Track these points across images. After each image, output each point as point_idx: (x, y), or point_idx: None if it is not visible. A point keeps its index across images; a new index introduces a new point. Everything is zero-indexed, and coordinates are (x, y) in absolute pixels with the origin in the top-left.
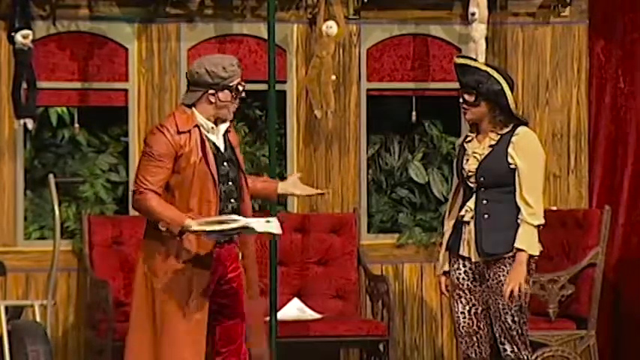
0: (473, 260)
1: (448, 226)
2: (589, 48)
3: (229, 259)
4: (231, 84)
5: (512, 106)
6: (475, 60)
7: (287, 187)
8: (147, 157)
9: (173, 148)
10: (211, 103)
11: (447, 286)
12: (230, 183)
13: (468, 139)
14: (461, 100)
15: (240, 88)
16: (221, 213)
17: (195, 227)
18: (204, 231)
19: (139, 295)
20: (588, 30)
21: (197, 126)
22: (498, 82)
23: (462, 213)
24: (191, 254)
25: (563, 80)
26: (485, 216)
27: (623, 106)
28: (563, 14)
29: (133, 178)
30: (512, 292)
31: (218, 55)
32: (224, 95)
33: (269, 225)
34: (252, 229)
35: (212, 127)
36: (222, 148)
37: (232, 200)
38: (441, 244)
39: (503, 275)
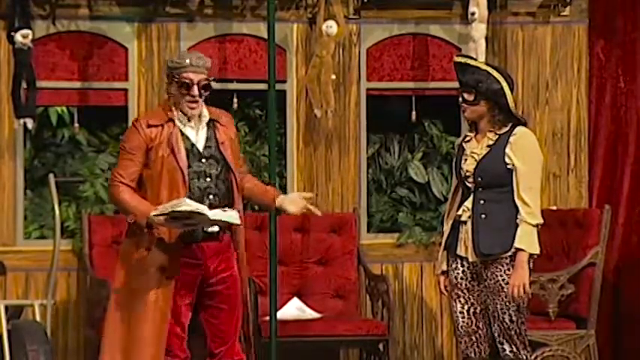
0: (470, 260)
1: (447, 225)
2: (589, 47)
3: (216, 260)
4: (176, 75)
5: (511, 105)
6: (475, 59)
7: (284, 202)
8: (121, 151)
9: (144, 142)
10: (169, 93)
11: (445, 286)
12: (208, 179)
13: (467, 138)
14: (460, 99)
15: (185, 81)
16: None
17: (153, 213)
18: (164, 216)
19: (117, 288)
20: (588, 29)
21: (172, 120)
22: (498, 82)
23: (459, 213)
24: (164, 244)
25: (563, 80)
26: (483, 216)
27: (623, 105)
28: (563, 14)
29: None
30: (517, 292)
31: (189, 50)
32: (173, 87)
33: (225, 214)
34: (206, 215)
35: (189, 120)
36: (199, 144)
37: (210, 197)
38: (440, 243)
39: (501, 275)
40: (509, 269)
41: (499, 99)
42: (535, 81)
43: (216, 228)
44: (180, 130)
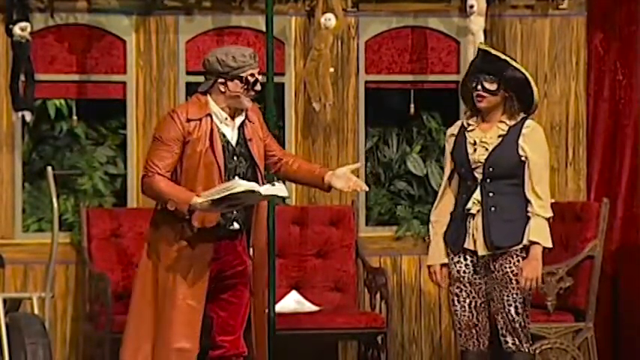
0: (480, 254)
1: (438, 217)
2: (587, 40)
3: (233, 254)
4: (241, 74)
5: (536, 95)
6: (496, 49)
7: (332, 178)
8: (156, 142)
9: (181, 134)
10: (222, 92)
11: (442, 278)
12: (237, 178)
13: (471, 127)
14: (479, 87)
15: (251, 79)
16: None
17: (200, 200)
18: (212, 201)
19: (143, 282)
20: (587, 22)
21: (210, 115)
22: (521, 71)
23: (469, 206)
24: (194, 238)
25: (561, 73)
26: (493, 209)
27: (622, 98)
28: (561, 6)
29: (133, 169)
30: (530, 285)
31: (235, 46)
32: (233, 85)
33: (274, 188)
34: (258, 192)
35: (226, 118)
36: (233, 141)
37: None
38: (431, 234)
39: (510, 267)
40: (518, 261)
41: (524, 89)
42: (533, 74)
43: (237, 225)
44: (217, 126)
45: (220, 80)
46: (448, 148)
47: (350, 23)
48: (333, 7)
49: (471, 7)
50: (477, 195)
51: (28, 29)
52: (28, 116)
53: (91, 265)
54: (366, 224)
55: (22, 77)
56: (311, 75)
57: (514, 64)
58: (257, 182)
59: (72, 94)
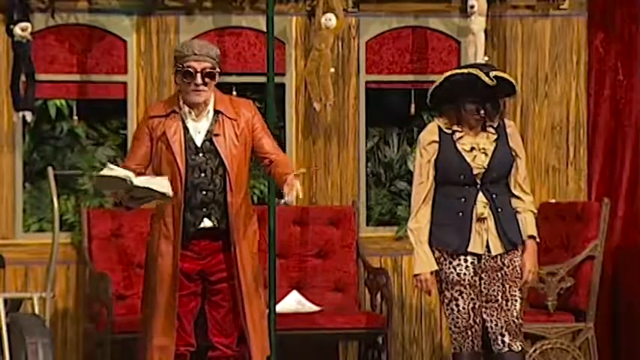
0: (494, 253)
1: (419, 223)
2: (588, 40)
3: (215, 258)
4: (180, 65)
5: (518, 89)
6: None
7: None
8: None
9: (145, 131)
10: (176, 83)
11: (433, 285)
12: (203, 175)
13: (458, 135)
14: (482, 112)
15: (191, 70)
16: (188, 203)
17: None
18: (130, 196)
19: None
20: (587, 22)
21: (177, 111)
22: (512, 81)
23: (481, 210)
24: (167, 236)
25: (562, 73)
26: (500, 209)
27: (622, 98)
28: (562, 7)
29: None
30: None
31: (198, 39)
32: (178, 77)
33: (150, 180)
34: (130, 181)
35: (189, 112)
36: (198, 137)
37: (204, 192)
38: (414, 242)
39: (517, 261)
40: (521, 254)
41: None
42: (534, 74)
43: (209, 223)
44: (183, 122)
45: (173, 71)
46: (428, 155)
47: (350, 23)
48: (334, 7)
49: (472, 7)
50: (482, 198)
51: (29, 29)
52: (29, 116)
53: (92, 265)
54: (367, 224)
55: (23, 77)
56: (312, 75)
57: (509, 77)
58: (225, 180)
59: (72, 94)
